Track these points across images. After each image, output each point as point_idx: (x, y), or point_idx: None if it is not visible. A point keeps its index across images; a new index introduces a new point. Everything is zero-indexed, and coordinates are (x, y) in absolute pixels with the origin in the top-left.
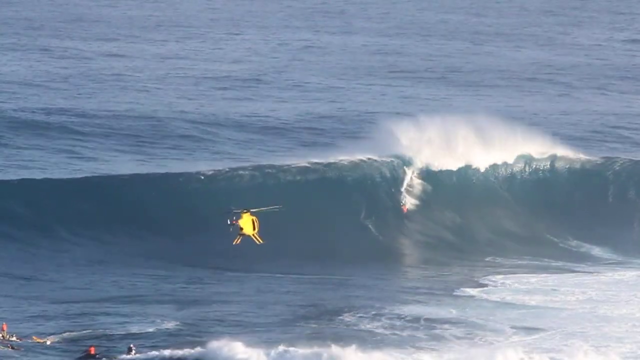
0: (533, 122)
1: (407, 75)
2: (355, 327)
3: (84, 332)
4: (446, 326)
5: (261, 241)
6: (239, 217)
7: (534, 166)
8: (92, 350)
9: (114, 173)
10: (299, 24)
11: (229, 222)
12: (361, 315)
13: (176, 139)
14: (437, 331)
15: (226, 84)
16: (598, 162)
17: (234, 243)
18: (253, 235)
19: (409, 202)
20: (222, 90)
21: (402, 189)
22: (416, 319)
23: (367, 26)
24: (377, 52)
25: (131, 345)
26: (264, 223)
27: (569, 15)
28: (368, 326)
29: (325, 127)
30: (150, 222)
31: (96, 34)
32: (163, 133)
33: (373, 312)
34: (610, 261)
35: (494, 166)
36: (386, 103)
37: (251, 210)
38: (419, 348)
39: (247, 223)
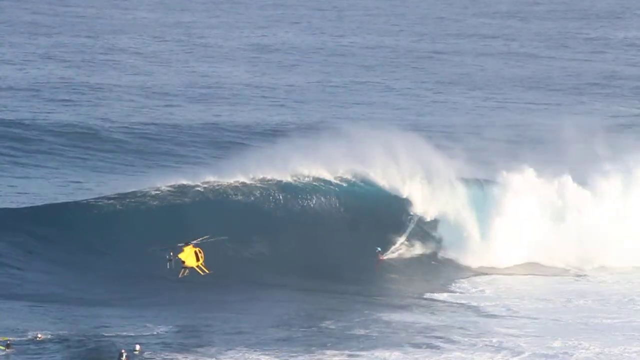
0: None
1: None
2: (349, 332)
3: (74, 332)
4: (440, 331)
5: (207, 271)
6: (179, 251)
7: None
8: None
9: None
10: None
11: (168, 259)
12: (351, 321)
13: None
14: (432, 335)
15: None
16: None
17: (179, 276)
18: (197, 266)
19: (387, 254)
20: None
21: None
22: (410, 325)
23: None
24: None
25: (122, 351)
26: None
27: None
28: (362, 331)
29: None
30: (141, 230)
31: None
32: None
33: (363, 318)
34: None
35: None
36: None
37: (192, 242)
38: (418, 349)
39: (189, 256)
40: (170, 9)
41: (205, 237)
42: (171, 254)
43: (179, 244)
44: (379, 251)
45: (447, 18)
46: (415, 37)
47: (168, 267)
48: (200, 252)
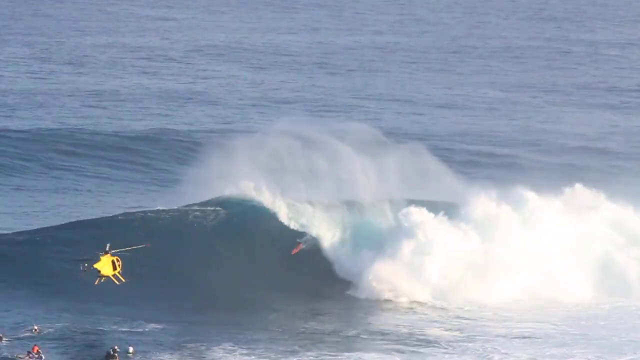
0: None
1: None
2: (337, 333)
3: (70, 326)
4: (428, 333)
5: (123, 280)
6: (96, 260)
7: None
8: (35, 350)
9: None
10: None
11: (81, 269)
12: (338, 322)
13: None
14: (420, 337)
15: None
16: None
17: (95, 283)
18: (113, 275)
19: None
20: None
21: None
22: (398, 327)
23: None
24: None
25: (115, 347)
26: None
27: None
28: (350, 333)
29: None
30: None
31: None
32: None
33: (350, 320)
34: None
35: None
36: None
37: (111, 251)
38: (407, 350)
39: (105, 265)
40: None
41: (126, 248)
42: (85, 265)
43: (98, 253)
44: (300, 242)
45: None
46: None
47: (80, 276)
48: (118, 261)
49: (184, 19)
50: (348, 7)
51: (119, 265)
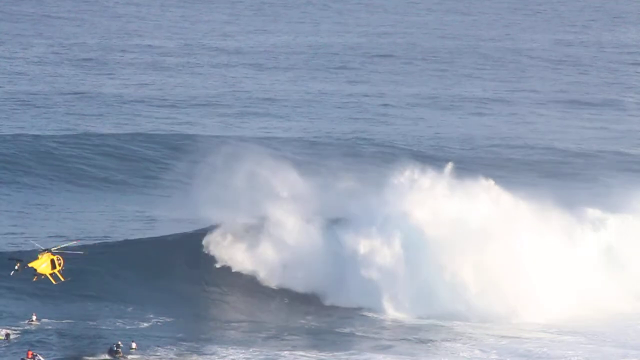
0: None
1: None
2: (333, 331)
3: (71, 322)
4: (425, 331)
5: (62, 279)
6: (34, 258)
7: None
8: (30, 355)
9: None
10: None
11: (15, 269)
12: (334, 320)
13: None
14: (417, 335)
15: None
16: None
17: (34, 280)
18: (51, 274)
19: None
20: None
21: None
22: (394, 324)
23: None
24: None
25: (119, 342)
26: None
27: None
28: (346, 330)
29: None
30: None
31: None
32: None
33: (346, 318)
34: None
35: None
36: None
37: (52, 249)
38: (403, 348)
39: (43, 263)
40: None
41: (65, 246)
42: (17, 265)
43: (39, 250)
44: None
45: None
46: None
47: (12, 274)
48: (59, 260)
49: (185, 18)
50: (348, 7)
51: (59, 264)
